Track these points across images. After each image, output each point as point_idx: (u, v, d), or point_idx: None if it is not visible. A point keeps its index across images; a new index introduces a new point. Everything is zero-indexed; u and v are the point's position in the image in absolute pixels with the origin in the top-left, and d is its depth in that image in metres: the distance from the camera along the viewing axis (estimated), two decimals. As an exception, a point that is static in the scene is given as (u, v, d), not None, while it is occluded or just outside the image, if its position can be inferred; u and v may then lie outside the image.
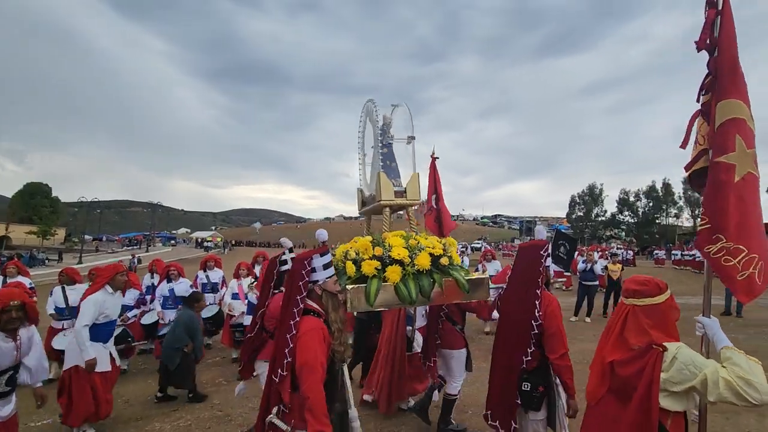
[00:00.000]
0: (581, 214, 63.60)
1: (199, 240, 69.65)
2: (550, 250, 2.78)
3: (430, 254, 2.73)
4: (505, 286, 3.00)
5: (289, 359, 2.12)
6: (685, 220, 54.79)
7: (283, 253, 3.62)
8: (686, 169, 2.02)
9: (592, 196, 63.57)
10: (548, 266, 2.80)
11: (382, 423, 4.33)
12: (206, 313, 6.92)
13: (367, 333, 5.41)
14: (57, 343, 5.17)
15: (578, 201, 65.25)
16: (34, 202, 52.25)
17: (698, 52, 1.93)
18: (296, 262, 2.34)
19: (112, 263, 4.85)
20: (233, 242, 67.26)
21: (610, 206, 61.99)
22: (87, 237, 49.29)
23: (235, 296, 6.50)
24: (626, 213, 60.05)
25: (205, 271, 7.06)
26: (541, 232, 2.93)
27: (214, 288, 6.98)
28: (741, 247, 1.76)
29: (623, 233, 59.97)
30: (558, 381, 2.65)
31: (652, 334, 1.69)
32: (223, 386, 5.50)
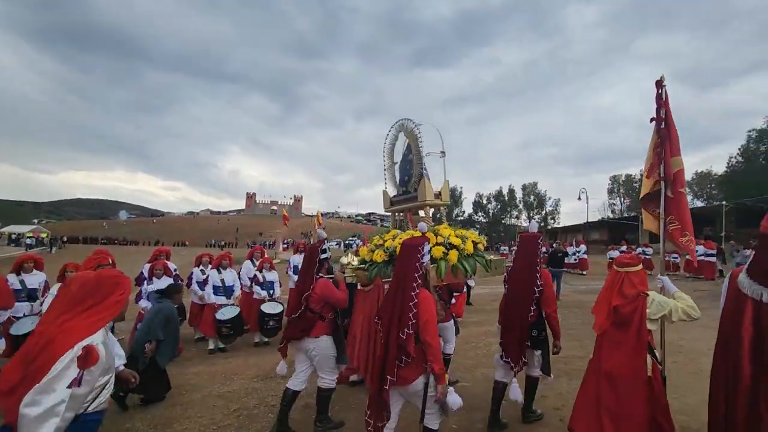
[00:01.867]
0: (444, 213, 71.82)
1: (14, 236, 55.27)
2: (541, 240, 3.99)
3: (473, 242, 3.69)
4: (511, 265, 4.12)
5: (413, 321, 2.82)
6: (524, 221, 66.83)
7: (323, 242, 4.10)
8: (642, 193, 3.47)
9: (453, 198, 72.36)
10: (543, 251, 4.00)
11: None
12: (221, 315, 6.64)
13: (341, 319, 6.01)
14: None
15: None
16: None
17: (650, 122, 3.38)
18: (409, 248, 3.02)
19: (94, 256, 4.42)
20: (64, 239, 55.34)
21: (467, 207, 71.66)
22: None
23: None
24: (480, 214, 70.31)
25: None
26: (534, 226, 4.13)
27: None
28: (693, 238, 3.26)
29: (477, 232, 69.93)
30: None
31: (639, 287, 2.98)
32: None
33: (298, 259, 8.59)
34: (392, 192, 4.48)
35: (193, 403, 4.55)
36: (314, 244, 4.14)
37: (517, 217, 67.76)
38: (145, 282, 6.50)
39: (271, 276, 7.56)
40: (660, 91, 3.40)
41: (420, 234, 3.24)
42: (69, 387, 1.70)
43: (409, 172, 4.20)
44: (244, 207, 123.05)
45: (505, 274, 4.18)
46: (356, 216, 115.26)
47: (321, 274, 4.05)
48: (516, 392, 3.70)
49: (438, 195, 4.05)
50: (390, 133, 4.35)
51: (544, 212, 65.57)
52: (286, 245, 37.80)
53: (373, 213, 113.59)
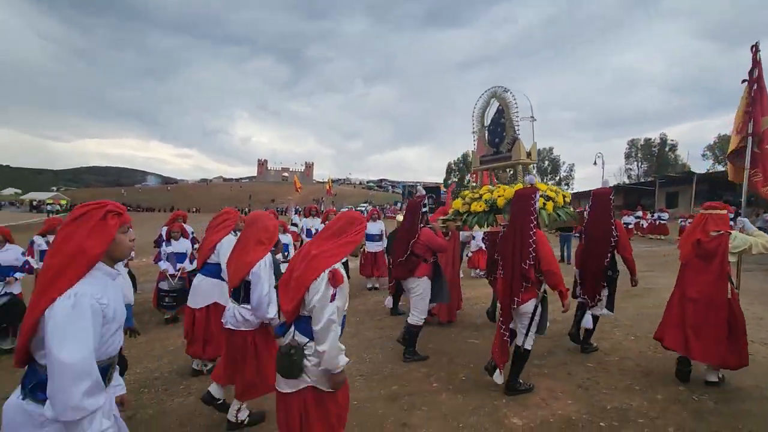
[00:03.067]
0: (456, 180, 71.80)
1: (36, 202, 57.10)
2: (613, 195, 4.54)
3: (563, 196, 4.27)
4: (587, 218, 4.69)
5: (533, 254, 3.45)
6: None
7: (424, 197, 4.70)
8: (731, 149, 3.96)
9: (465, 164, 72.10)
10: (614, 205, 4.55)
11: (441, 330, 5.49)
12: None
13: None
14: None
15: (454, 168, 73.44)
16: None
17: (741, 83, 3.83)
18: (524, 197, 3.62)
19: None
20: (84, 205, 56.75)
21: (479, 173, 71.43)
22: None
23: None
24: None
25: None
26: (607, 183, 4.68)
27: None
28: None
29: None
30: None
31: (721, 227, 3.57)
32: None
33: (309, 223, 9.09)
34: (481, 152, 5.02)
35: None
36: (416, 199, 4.74)
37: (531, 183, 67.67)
38: (164, 244, 6.50)
39: (285, 239, 7.80)
40: (756, 56, 3.82)
41: (530, 185, 3.83)
42: (331, 302, 2.19)
43: (501, 135, 4.72)
44: (255, 174, 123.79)
45: (582, 226, 4.78)
46: (368, 182, 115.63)
47: (423, 224, 4.69)
48: (588, 320, 4.40)
49: (528, 154, 4.58)
50: (481, 99, 4.85)
51: (558, 177, 65.35)
52: (298, 211, 38.37)
53: (384, 179, 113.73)
